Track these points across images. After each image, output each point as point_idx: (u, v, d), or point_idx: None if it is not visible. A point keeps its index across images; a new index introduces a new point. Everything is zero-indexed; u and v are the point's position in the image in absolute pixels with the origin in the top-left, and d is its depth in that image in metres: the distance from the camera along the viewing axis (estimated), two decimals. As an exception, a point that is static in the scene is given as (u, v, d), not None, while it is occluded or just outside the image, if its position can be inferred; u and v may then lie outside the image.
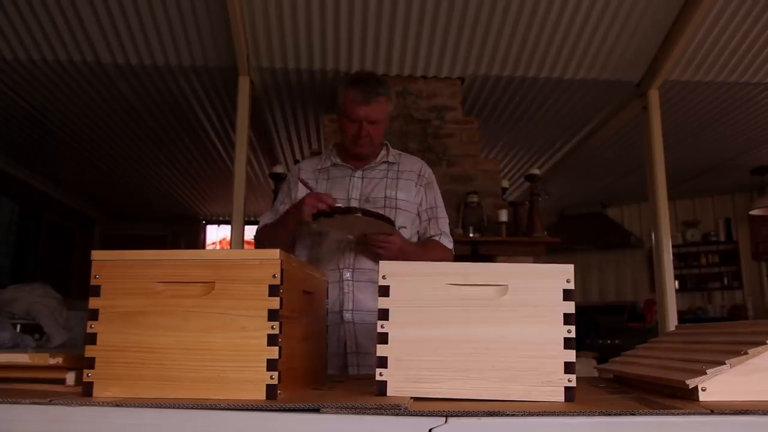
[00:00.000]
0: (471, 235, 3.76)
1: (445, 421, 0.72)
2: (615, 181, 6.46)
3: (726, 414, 0.74)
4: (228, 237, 4.62)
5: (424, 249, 1.88)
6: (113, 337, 0.89)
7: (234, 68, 3.79)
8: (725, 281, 6.91)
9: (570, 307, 0.90)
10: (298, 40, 3.70)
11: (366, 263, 1.80)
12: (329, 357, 1.72)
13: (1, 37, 3.60)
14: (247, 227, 3.87)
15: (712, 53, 3.82)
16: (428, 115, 4.05)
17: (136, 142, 5.38)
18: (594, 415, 0.75)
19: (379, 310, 0.92)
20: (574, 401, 0.86)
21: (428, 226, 1.93)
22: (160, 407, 0.79)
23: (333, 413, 0.75)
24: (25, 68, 3.92)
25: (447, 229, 1.94)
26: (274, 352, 0.87)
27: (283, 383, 0.87)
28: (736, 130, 5.02)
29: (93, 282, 0.91)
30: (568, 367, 0.88)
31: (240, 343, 0.87)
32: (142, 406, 0.79)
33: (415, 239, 1.91)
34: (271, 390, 0.85)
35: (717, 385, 0.82)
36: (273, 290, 0.88)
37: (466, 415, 0.74)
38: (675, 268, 4.10)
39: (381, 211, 1.78)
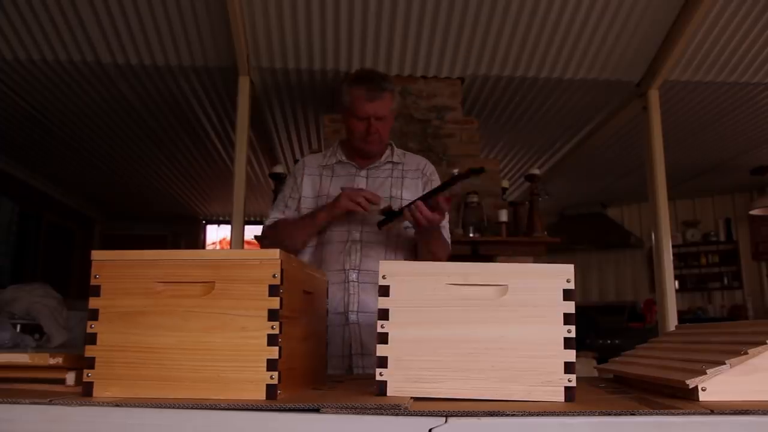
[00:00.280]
0: (471, 235, 3.76)
1: (445, 421, 0.72)
2: (615, 181, 6.46)
3: (726, 414, 0.74)
4: (228, 237, 4.63)
5: (443, 236, 1.88)
6: (113, 337, 0.89)
7: (234, 68, 3.80)
8: (725, 281, 6.91)
9: (570, 307, 0.90)
10: (298, 40, 3.70)
11: (371, 264, 1.78)
12: (334, 358, 1.71)
13: (1, 37, 3.60)
14: (247, 227, 3.87)
15: (712, 53, 3.82)
16: (428, 115, 4.05)
17: (136, 142, 5.38)
18: (594, 415, 0.75)
19: (379, 310, 0.92)
20: (574, 401, 0.86)
21: None
22: (160, 407, 0.79)
23: (333, 413, 0.75)
24: (25, 68, 3.92)
25: (446, 224, 1.92)
26: (274, 352, 0.87)
27: (283, 383, 0.87)
28: (736, 130, 5.02)
29: (93, 282, 0.91)
30: (568, 367, 0.88)
31: (240, 343, 0.87)
32: (142, 406, 0.79)
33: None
34: (271, 390, 0.85)
35: (717, 385, 0.82)
36: (273, 290, 0.89)
37: (466, 415, 0.74)
38: (675, 268, 4.10)
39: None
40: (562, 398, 0.87)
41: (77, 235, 7.47)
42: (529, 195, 4.08)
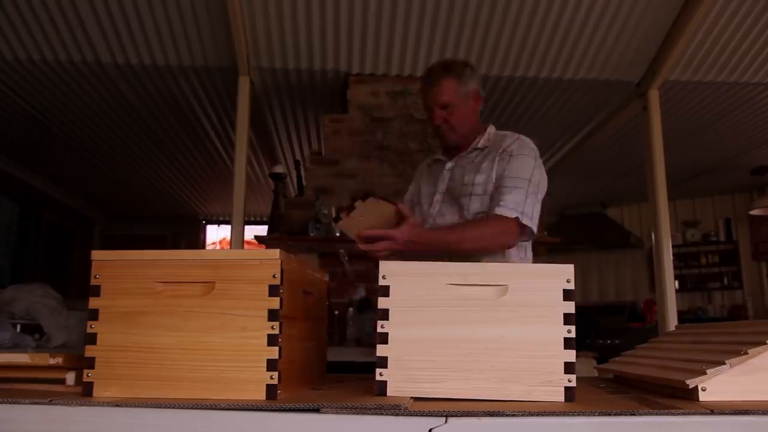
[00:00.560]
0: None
1: (445, 421, 0.72)
2: (615, 181, 6.46)
3: (726, 414, 0.74)
4: (228, 237, 4.62)
5: (461, 228, 1.67)
6: (113, 337, 0.89)
7: (234, 68, 3.79)
8: (725, 281, 6.91)
9: (570, 307, 0.90)
10: (298, 40, 3.70)
11: None
12: None
13: (1, 37, 3.60)
14: (247, 227, 3.87)
15: (712, 53, 3.82)
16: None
17: (136, 142, 5.38)
18: (594, 415, 0.75)
19: (379, 309, 0.92)
20: (574, 401, 0.86)
21: (495, 198, 1.68)
22: (160, 407, 0.79)
23: (333, 413, 0.75)
24: (25, 68, 3.92)
25: (514, 198, 1.64)
26: (274, 352, 0.87)
27: (283, 383, 0.87)
28: (736, 130, 5.02)
29: (93, 282, 0.91)
30: (568, 367, 0.88)
31: (240, 343, 0.87)
32: (142, 406, 0.79)
33: None
34: (271, 390, 0.85)
35: (717, 385, 0.82)
36: (273, 290, 0.89)
37: (466, 415, 0.74)
38: (675, 268, 4.09)
39: (433, 201, 1.79)
40: (562, 398, 0.87)
41: (77, 235, 7.47)
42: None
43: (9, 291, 2.63)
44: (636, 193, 6.53)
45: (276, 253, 0.90)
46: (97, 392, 0.88)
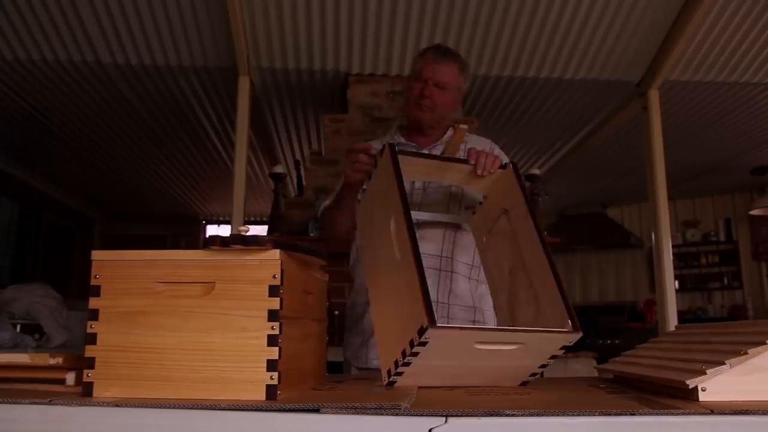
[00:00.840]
0: (471, 235, 3.75)
1: (445, 421, 0.72)
2: (615, 181, 6.46)
3: (726, 414, 0.74)
4: (228, 237, 4.62)
5: None
6: (113, 337, 0.89)
7: (234, 68, 3.80)
8: (725, 281, 6.91)
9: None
10: (298, 40, 3.70)
11: (426, 248, 1.65)
12: None
13: (1, 37, 3.60)
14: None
15: (712, 53, 3.83)
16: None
17: (136, 142, 5.38)
18: (594, 415, 0.75)
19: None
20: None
21: None
22: (160, 407, 0.79)
23: (333, 413, 0.75)
24: (25, 68, 3.92)
25: None
26: (274, 353, 0.87)
27: (283, 383, 0.87)
28: (736, 130, 5.02)
29: (93, 282, 0.91)
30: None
31: (240, 344, 0.87)
32: (142, 407, 0.79)
33: None
34: (271, 390, 0.85)
35: (717, 385, 0.82)
36: (273, 290, 0.89)
37: (466, 415, 0.74)
38: (675, 268, 4.10)
39: (443, 193, 1.71)
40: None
41: (77, 235, 7.47)
42: (529, 195, 4.08)
43: (9, 291, 2.63)
44: (636, 193, 6.53)
45: (276, 253, 0.90)
46: (97, 392, 0.88)
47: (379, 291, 1.18)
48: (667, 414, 0.74)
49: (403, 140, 1.84)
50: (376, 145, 1.76)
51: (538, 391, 1.03)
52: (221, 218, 8.40)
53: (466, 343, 1.01)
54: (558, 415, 0.74)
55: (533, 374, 1.14)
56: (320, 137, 4.98)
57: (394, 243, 1.11)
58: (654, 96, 3.97)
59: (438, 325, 0.95)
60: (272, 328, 0.87)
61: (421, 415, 0.74)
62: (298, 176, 4.12)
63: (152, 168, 6.18)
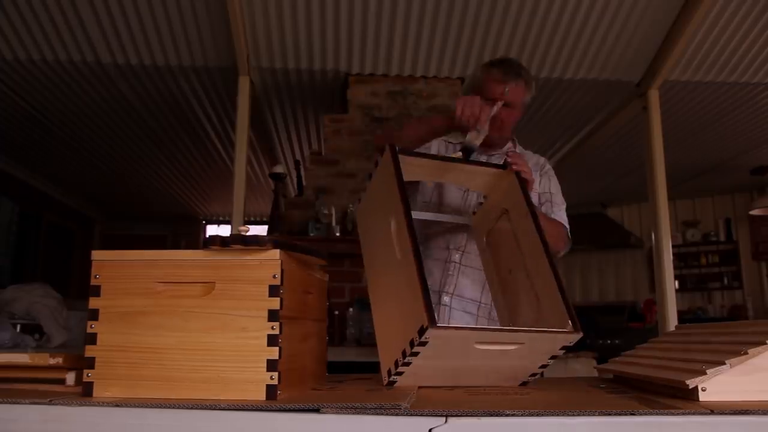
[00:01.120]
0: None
1: (445, 421, 0.72)
2: (615, 181, 6.46)
3: (726, 414, 0.74)
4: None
5: (549, 219, 1.76)
6: (113, 337, 0.89)
7: (234, 68, 3.80)
8: (725, 281, 6.91)
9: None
10: (298, 40, 3.70)
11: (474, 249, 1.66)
12: None
13: (1, 37, 3.60)
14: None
15: (712, 53, 3.82)
16: (428, 115, 4.05)
17: (136, 142, 5.38)
18: (594, 415, 0.75)
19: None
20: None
21: (545, 209, 1.84)
22: (160, 407, 0.79)
23: (333, 413, 0.75)
24: (25, 68, 3.92)
25: (563, 214, 1.85)
26: (274, 353, 0.87)
27: (283, 383, 0.87)
28: (736, 130, 5.02)
29: (93, 282, 0.91)
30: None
31: (240, 344, 0.87)
32: (142, 406, 0.79)
33: None
34: (271, 390, 0.85)
35: (717, 385, 0.82)
36: (273, 290, 0.89)
37: (466, 415, 0.74)
38: (675, 268, 4.10)
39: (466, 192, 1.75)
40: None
41: (77, 235, 7.47)
42: (529, 195, 4.07)
43: (9, 291, 2.63)
44: (636, 193, 6.53)
45: (276, 253, 0.90)
46: (97, 392, 0.88)
47: (379, 291, 1.19)
48: (667, 414, 0.74)
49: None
50: (434, 145, 1.84)
51: (538, 391, 1.03)
52: (221, 218, 8.40)
53: (466, 344, 1.01)
54: (558, 415, 0.74)
55: (533, 374, 1.14)
56: (320, 137, 4.98)
57: (394, 243, 1.11)
58: (654, 96, 3.97)
59: (438, 325, 0.95)
60: (272, 328, 0.87)
61: (421, 415, 0.74)
62: (298, 176, 4.12)
63: (152, 168, 6.18)
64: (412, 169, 1.34)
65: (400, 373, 1.03)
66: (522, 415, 0.74)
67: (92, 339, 0.89)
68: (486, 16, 3.54)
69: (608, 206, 7.40)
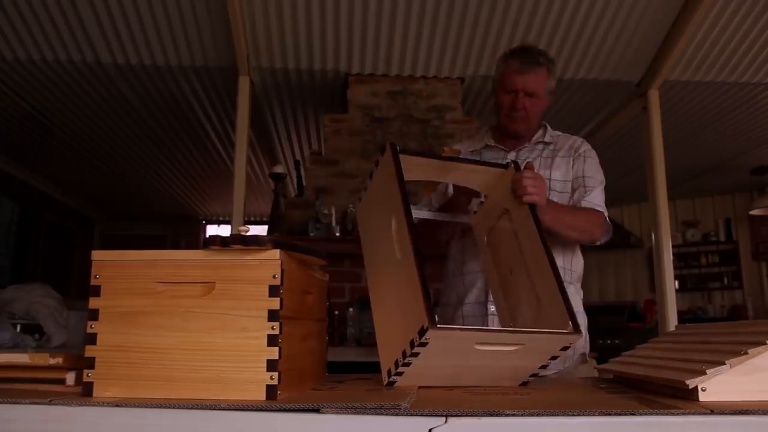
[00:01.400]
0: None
1: (445, 421, 0.72)
2: (615, 181, 6.45)
3: (726, 414, 0.74)
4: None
5: (575, 209, 1.69)
6: (113, 337, 0.89)
7: (234, 68, 3.80)
8: (725, 281, 6.91)
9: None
10: (298, 40, 3.70)
11: None
12: None
13: (1, 37, 3.60)
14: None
15: (712, 53, 3.82)
16: (428, 115, 4.05)
17: (136, 142, 5.38)
18: (594, 415, 0.75)
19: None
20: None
21: (577, 194, 1.75)
22: (160, 407, 0.79)
23: (333, 413, 0.75)
24: (25, 68, 3.92)
25: (598, 196, 1.75)
26: (274, 353, 0.87)
27: (283, 383, 0.87)
28: (736, 130, 5.02)
29: (93, 282, 0.91)
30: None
31: (240, 344, 0.87)
32: (142, 406, 0.79)
33: None
34: (271, 390, 0.85)
35: (717, 385, 0.82)
36: (273, 290, 0.89)
37: (466, 415, 0.74)
38: (675, 268, 4.10)
39: None
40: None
41: (77, 235, 7.47)
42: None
43: (9, 291, 2.63)
44: (636, 193, 6.52)
45: (276, 253, 0.90)
46: (97, 392, 0.88)
47: (379, 289, 1.18)
48: (667, 414, 0.74)
49: (492, 142, 1.85)
50: (465, 147, 1.81)
51: (538, 391, 1.03)
52: (221, 218, 8.40)
53: (466, 344, 1.01)
54: (558, 415, 0.74)
55: (533, 374, 1.14)
56: (320, 137, 4.98)
57: (395, 242, 1.11)
58: (654, 96, 3.97)
59: (439, 326, 0.95)
60: (272, 328, 0.87)
61: (421, 415, 0.74)
62: (298, 176, 4.12)
63: (152, 168, 6.18)
64: (414, 168, 1.33)
65: (400, 374, 1.03)
66: (522, 415, 0.74)
67: (92, 339, 0.89)
68: (486, 16, 3.54)
69: (608, 206, 7.39)
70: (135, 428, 0.77)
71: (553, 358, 1.11)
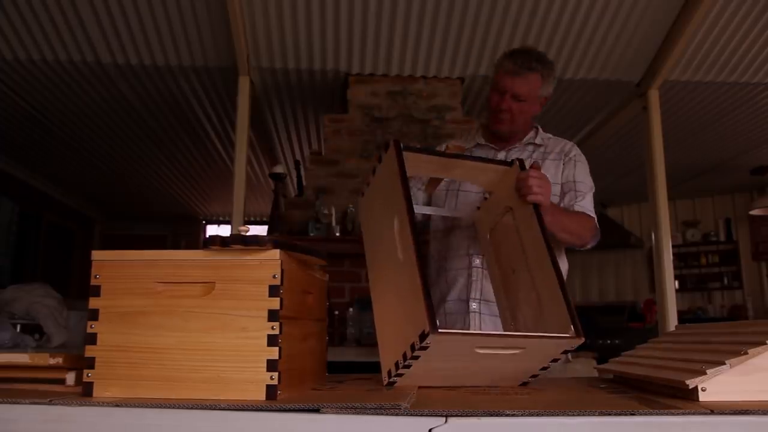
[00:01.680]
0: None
1: (445, 421, 0.72)
2: (615, 181, 6.46)
3: (726, 414, 0.74)
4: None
5: (570, 212, 1.70)
6: (113, 337, 0.89)
7: (234, 68, 3.79)
8: (725, 281, 6.91)
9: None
10: (298, 40, 3.70)
11: None
12: None
13: (1, 37, 3.60)
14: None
15: (712, 53, 3.82)
16: (428, 115, 4.05)
17: (136, 142, 5.38)
18: (594, 415, 0.74)
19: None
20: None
21: (568, 198, 1.76)
22: (160, 407, 0.79)
23: (333, 413, 0.75)
24: (25, 68, 3.92)
25: (588, 201, 1.76)
26: (274, 353, 0.87)
27: (283, 383, 0.87)
28: (736, 130, 5.02)
29: (93, 282, 0.91)
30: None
31: (240, 344, 0.87)
32: (142, 406, 0.79)
33: None
34: (271, 390, 0.85)
35: (717, 385, 0.82)
36: (273, 290, 0.89)
37: (466, 415, 0.74)
38: (675, 268, 4.09)
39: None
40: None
41: (77, 235, 7.47)
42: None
43: (9, 291, 2.63)
44: (636, 193, 6.52)
45: (276, 253, 0.90)
46: (97, 392, 0.88)
47: (381, 287, 1.18)
48: (667, 414, 0.74)
49: (483, 140, 1.85)
50: (460, 143, 1.79)
51: (538, 391, 1.03)
52: (221, 218, 8.40)
53: (467, 348, 1.01)
54: (558, 415, 0.74)
55: (533, 375, 1.14)
56: (320, 137, 4.98)
57: (396, 242, 1.11)
58: (654, 96, 3.97)
59: (440, 330, 0.95)
60: (272, 328, 0.87)
61: (421, 415, 0.74)
62: (298, 176, 4.12)
63: (152, 168, 6.18)
64: (418, 164, 1.33)
65: (400, 375, 1.03)
66: (522, 415, 0.74)
67: (92, 339, 0.89)
68: (486, 16, 3.54)
69: (608, 206, 7.39)
70: (135, 428, 0.77)
71: (554, 360, 1.11)
